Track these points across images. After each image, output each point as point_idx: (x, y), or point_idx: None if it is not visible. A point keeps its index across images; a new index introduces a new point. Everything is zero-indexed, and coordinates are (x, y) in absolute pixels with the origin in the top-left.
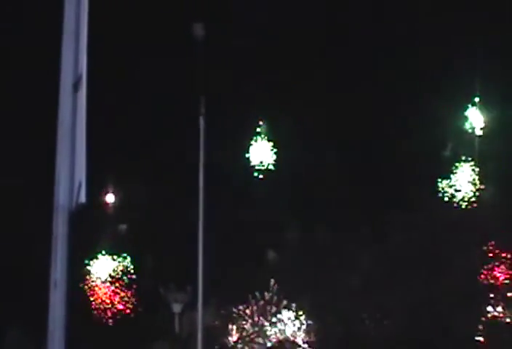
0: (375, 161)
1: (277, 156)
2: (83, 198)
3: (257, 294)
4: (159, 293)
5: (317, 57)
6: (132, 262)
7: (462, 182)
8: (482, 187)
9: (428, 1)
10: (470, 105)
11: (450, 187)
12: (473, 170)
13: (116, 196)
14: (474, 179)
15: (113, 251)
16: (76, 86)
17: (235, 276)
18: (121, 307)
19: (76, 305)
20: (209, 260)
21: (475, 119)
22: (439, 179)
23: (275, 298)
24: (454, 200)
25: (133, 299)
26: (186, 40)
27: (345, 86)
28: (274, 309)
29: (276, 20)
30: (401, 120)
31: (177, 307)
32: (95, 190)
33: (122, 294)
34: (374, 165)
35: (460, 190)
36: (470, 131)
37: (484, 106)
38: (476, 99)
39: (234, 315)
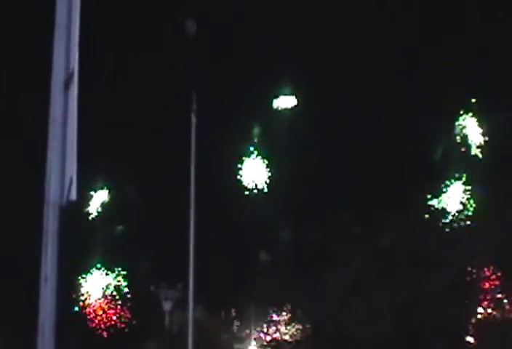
0: (367, 164)
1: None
2: (74, 195)
3: (248, 294)
4: (151, 292)
5: (314, 63)
6: (124, 263)
7: (453, 200)
8: (473, 205)
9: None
10: (464, 116)
11: (441, 209)
12: (465, 190)
13: (107, 195)
14: (465, 198)
15: (105, 250)
16: (67, 83)
17: (226, 276)
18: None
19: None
20: (201, 258)
21: (469, 130)
22: (429, 196)
23: (266, 298)
24: (444, 220)
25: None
26: (178, 36)
27: (340, 92)
28: (265, 309)
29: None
30: (393, 127)
31: (167, 305)
32: (86, 187)
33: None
34: (366, 167)
35: (447, 208)
36: (463, 145)
37: (479, 116)
38: (471, 110)
39: (225, 314)
